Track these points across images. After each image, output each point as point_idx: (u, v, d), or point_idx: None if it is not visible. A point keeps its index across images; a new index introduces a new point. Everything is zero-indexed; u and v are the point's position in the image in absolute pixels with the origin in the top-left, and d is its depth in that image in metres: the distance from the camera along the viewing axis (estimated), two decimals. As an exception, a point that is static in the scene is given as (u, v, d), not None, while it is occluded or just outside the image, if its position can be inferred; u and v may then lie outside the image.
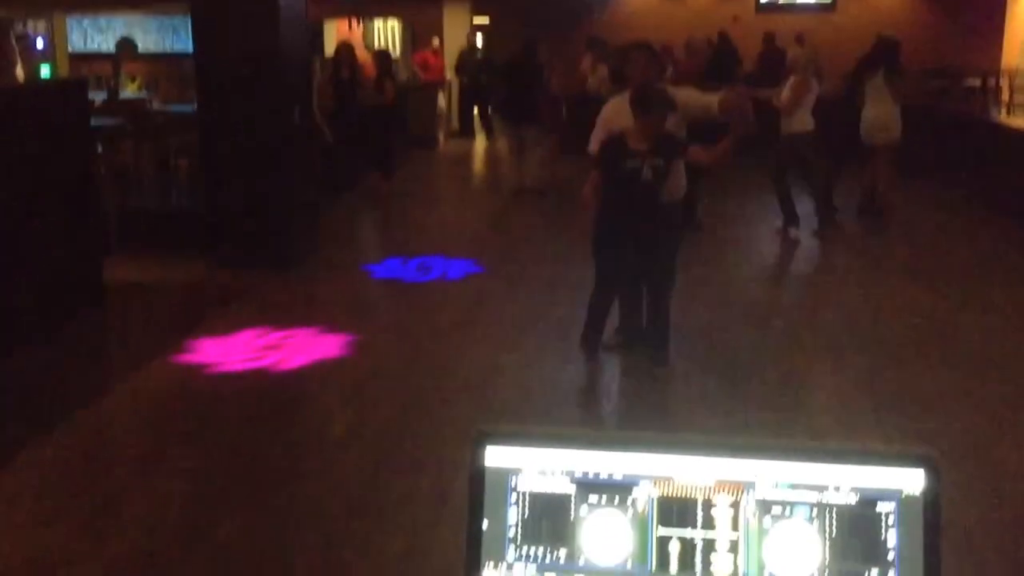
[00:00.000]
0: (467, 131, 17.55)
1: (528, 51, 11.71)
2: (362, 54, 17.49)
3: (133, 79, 14.12)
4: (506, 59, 12.61)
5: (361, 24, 20.68)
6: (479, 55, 17.96)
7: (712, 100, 5.47)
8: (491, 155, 16.16)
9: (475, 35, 18.73)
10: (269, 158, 7.83)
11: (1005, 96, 18.72)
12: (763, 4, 20.38)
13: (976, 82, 18.40)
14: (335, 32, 18.86)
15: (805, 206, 9.29)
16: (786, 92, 8.85)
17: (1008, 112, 17.20)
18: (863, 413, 5.05)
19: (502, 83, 12.01)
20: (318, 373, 5.68)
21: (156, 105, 11.71)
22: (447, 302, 7.19)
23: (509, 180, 11.72)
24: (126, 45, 13.79)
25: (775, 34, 17.60)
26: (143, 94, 13.22)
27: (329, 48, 17.45)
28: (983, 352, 5.96)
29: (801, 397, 5.34)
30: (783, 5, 20.25)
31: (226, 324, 6.51)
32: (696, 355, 5.87)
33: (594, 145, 5.47)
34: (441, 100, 17.24)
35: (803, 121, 8.84)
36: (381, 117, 11.50)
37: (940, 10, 20.78)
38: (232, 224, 7.94)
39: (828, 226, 9.40)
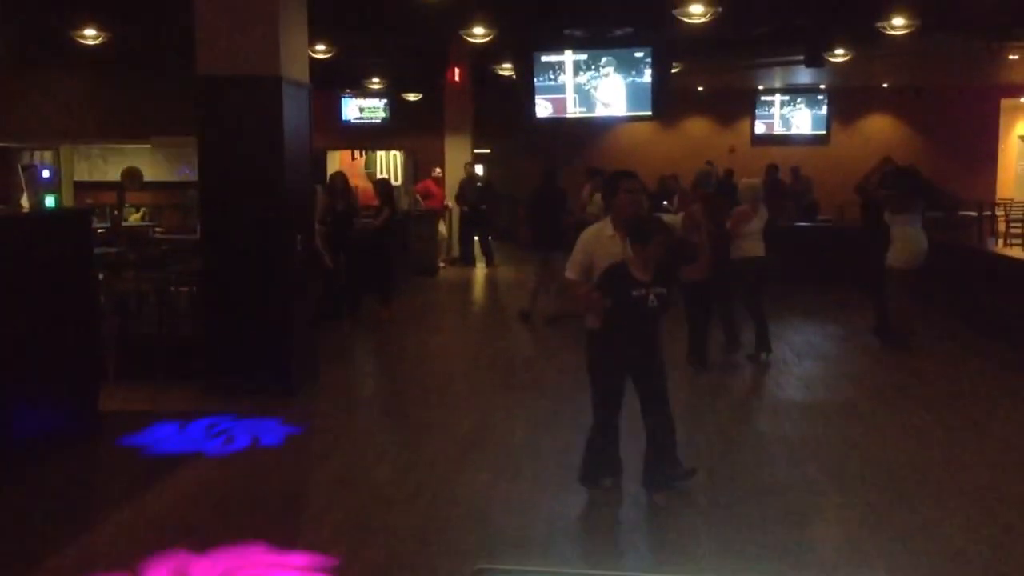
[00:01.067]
0: (467, 258, 17.64)
1: (548, 179, 11.89)
2: (362, 182, 17.78)
3: (137, 208, 14.26)
4: (529, 190, 12.75)
5: (364, 154, 21.09)
6: (480, 183, 18.22)
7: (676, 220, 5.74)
8: (491, 282, 16.20)
9: (475, 164, 19.06)
10: (271, 287, 7.82)
11: (1001, 227, 18.94)
12: (759, 136, 20.82)
13: (972, 212, 18.62)
14: (338, 162, 19.22)
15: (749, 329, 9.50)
16: (731, 220, 9.23)
17: (1005, 242, 17.37)
18: (869, 550, 4.90)
19: (528, 214, 12.06)
20: (316, 499, 5.51)
21: (159, 233, 11.75)
22: (450, 428, 7.04)
23: (542, 310, 11.58)
24: (132, 174, 13.95)
25: (778, 165, 17.90)
26: (146, 222, 13.32)
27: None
28: (991, 485, 5.84)
29: (806, 532, 5.16)
30: (778, 136, 20.68)
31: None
32: (695, 486, 5.69)
33: (571, 272, 5.51)
34: (442, 227, 17.42)
35: (749, 248, 9.18)
36: (380, 244, 11.55)
37: (935, 142, 21.24)
38: (231, 352, 7.88)
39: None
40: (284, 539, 5.01)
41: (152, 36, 13.65)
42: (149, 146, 16.69)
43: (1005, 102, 21.31)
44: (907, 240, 9.53)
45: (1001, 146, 21.96)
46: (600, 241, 5.46)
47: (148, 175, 15.90)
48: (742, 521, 5.24)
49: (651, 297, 5.16)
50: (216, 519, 5.29)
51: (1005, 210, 19.61)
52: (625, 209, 5.49)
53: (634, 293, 5.16)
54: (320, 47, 13.20)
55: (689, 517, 5.32)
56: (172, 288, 8.89)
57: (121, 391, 7.74)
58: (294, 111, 7.94)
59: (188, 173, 15.22)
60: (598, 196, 14.91)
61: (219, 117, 7.79)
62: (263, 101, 7.72)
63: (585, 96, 14.27)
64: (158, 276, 9.16)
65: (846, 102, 20.97)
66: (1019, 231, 18.28)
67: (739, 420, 7.30)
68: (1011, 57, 15.49)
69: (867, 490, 5.76)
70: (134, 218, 14.04)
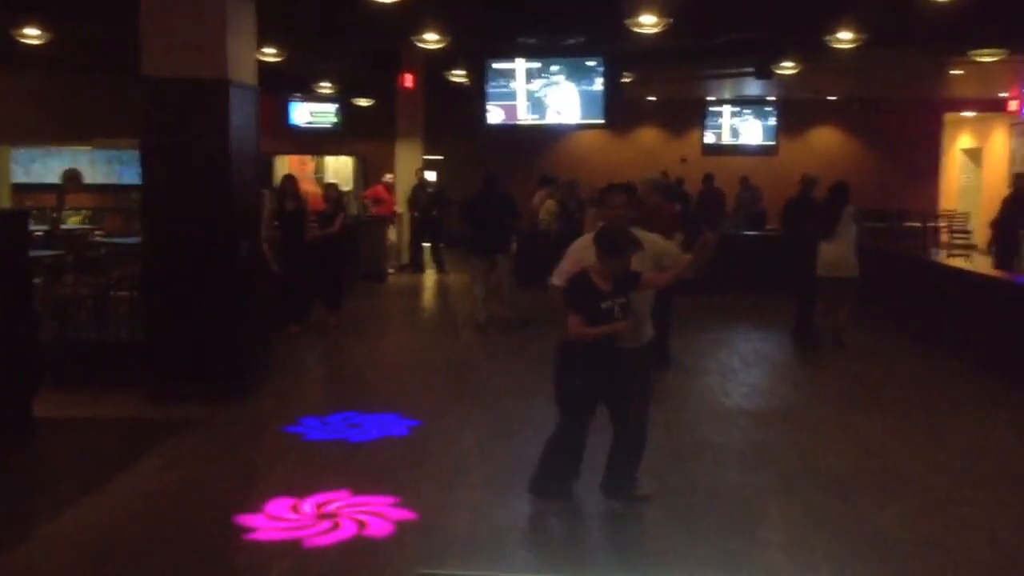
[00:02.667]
0: (417, 265, 17.53)
1: (488, 183, 11.81)
2: (311, 187, 17.60)
3: (77, 211, 13.96)
4: (465, 196, 12.67)
5: (314, 159, 20.89)
6: (431, 190, 18.12)
7: (669, 247, 5.55)
8: (441, 289, 16.11)
9: (427, 170, 18.96)
10: (215, 290, 7.68)
11: (944, 238, 19.31)
12: (709, 146, 21.01)
13: (916, 224, 18.96)
14: (286, 166, 19.01)
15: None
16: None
17: (947, 253, 17.70)
18: (815, 551, 4.94)
19: (463, 220, 12.04)
20: (258, 500, 5.40)
21: (99, 237, 11.50)
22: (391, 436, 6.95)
23: (479, 313, 11.55)
24: (72, 176, 13.63)
25: (713, 175, 18.16)
26: (87, 226, 13.04)
27: (277, 181, 17.47)
28: (936, 489, 5.93)
29: (756, 538, 5.17)
30: (728, 147, 20.88)
31: (165, 461, 6.21)
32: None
33: (558, 279, 5.35)
34: (392, 233, 17.29)
35: None
36: (329, 250, 11.42)
37: (880, 155, 21.60)
38: (174, 357, 7.73)
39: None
40: (233, 547, 4.90)
41: (95, 36, 13.38)
42: (91, 148, 16.35)
43: (948, 116, 21.75)
44: (826, 251, 10.11)
45: (944, 159, 22.41)
46: (591, 253, 5.24)
47: (89, 177, 15.55)
48: (692, 527, 5.24)
49: (616, 308, 5.11)
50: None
51: (948, 222, 20.02)
52: (616, 211, 5.42)
53: (603, 305, 5.09)
54: (269, 50, 13.02)
55: (639, 524, 5.30)
56: (112, 293, 8.70)
57: (59, 397, 7.53)
58: (241, 114, 7.83)
59: (130, 176, 14.94)
60: (550, 203, 14.98)
61: (164, 119, 7.63)
62: (209, 103, 7.60)
63: (537, 103, 14.29)
64: (98, 281, 8.95)
65: (794, 114, 21.24)
66: (961, 242, 18.67)
67: (688, 428, 7.28)
68: (954, 72, 15.79)
69: (815, 495, 5.79)
70: (74, 221, 13.73)
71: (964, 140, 22.95)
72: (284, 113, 19.91)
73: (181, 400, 7.51)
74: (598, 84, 14.04)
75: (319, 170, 20.99)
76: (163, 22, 7.52)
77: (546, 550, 5.03)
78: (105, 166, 16.52)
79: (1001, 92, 19.57)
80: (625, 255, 5.10)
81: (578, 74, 14.12)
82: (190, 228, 7.66)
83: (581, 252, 5.37)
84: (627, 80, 15.49)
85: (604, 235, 5.21)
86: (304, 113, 20.18)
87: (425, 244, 17.66)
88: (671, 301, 8.73)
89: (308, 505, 5.47)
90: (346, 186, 19.78)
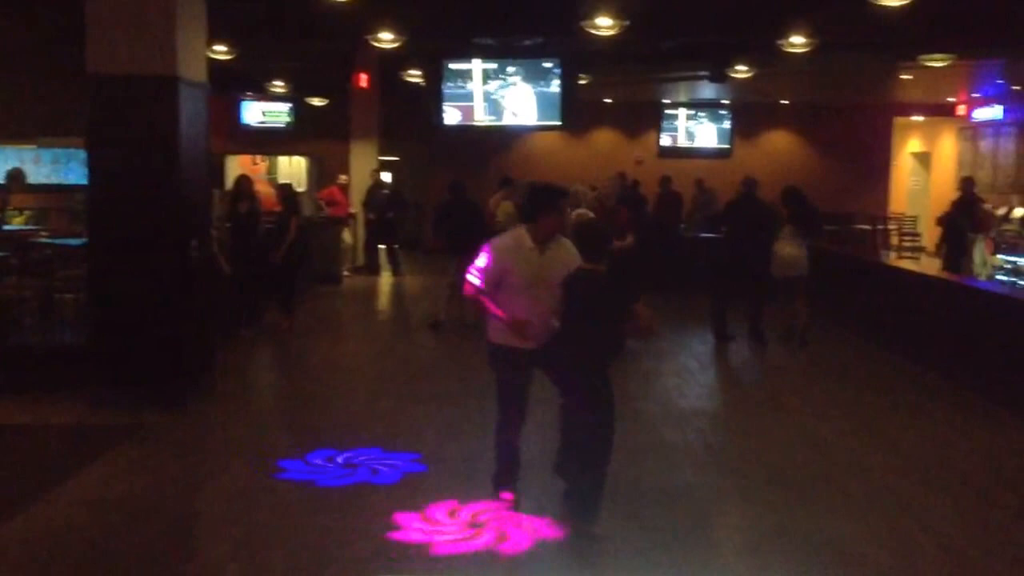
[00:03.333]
0: (373, 267, 17.35)
1: (455, 191, 11.89)
2: (264, 188, 17.38)
3: (20, 212, 13.61)
4: (437, 200, 12.64)
5: (266, 159, 20.63)
6: (386, 191, 17.96)
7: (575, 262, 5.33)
8: (397, 291, 15.98)
9: (382, 171, 18.78)
10: (163, 293, 7.52)
11: (894, 240, 19.55)
12: (664, 148, 21.08)
13: (866, 226, 19.17)
14: (237, 166, 18.75)
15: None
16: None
17: (897, 255, 17.93)
18: (769, 552, 4.98)
19: (441, 227, 12.00)
20: (208, 509, 5.29)
21: (44, 237, 11.21)
22: (354, 439, 6.84)
23: (441, 313, 11.51)
24: (15, 176, 13.29)
25: (671, 178, 18.22)
26: (31, 226, 12.72)
27: (230, 181, 17.25)
28: (888, 489, 6.02)
29: (710, 538, 5.20)
30: (683, 149, 20.97)
31: (110, 470, 6.04)
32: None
33: (479, 281, 5.27)
34: (347, 235, 17.10)
35: None
36: (289, 256, 11.26)
37: (831, 159, 21.83)
38: (121, 361, 7.54)
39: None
40: (178, 557, 4.81)
41: (39, 31, 13.05)
42: (35, 147, 15.97)
43: (898, 120, 22.03)
44: (780, 251, 10.52)
45: (894, 162, 22.71)
46: (520, 253, 5.26)
47: (33, 177, 15.17)
48: (647, 527, 5.25)
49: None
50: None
51: (898, 224, 20.30)
52: (554, 228, 5.34)
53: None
54: (220, 48, 12.79)
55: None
56: (57, 295, 8.47)
57: (1, 402, 7.35)
58: (190, 113, 7.68)
59: (76, 176, 14.62)
60: (507, 204, 14.91)
61: (110, 117, 7.46)
62: (157, 101, 7.44)
63: (493, 104, 14.22)
64: (42, 283, 8.71)
65: (748, 117, 21.39)
66: (911, 244, 18.93)
67: (645, 428, 7.27)
68: (904, 77, 15.98)
69: (769, 495, 5.84)
70: (17, 221, 13.37)
71: (913, 144, 23.29)
72: (236, 112, 19.63)
73: (127, 406, 7.31)
74: (555, 86, 14.01)
75: (271, 170, 20.73)
76: (109, 17, 7.34)
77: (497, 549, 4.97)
78: (50, 165, 16.13)
79: (949, 97, 19.88)
80: (602, 260, 5.21)
81: (535, 75, 14.08)
82: (137, 229, 7.49)
83: (505, 253, 5.28)
84: (584, 82, 15.47)
85: (587, 236, 5.33)
86: (256, 112, 19.91)
87: (381, 246, 17.48)
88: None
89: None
90: (300, 187, 19.54)
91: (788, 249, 10.50)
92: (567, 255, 5.30)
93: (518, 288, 5.25)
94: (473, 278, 5.33)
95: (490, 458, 5.66)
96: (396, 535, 5.11)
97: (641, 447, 6.74)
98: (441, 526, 5.25)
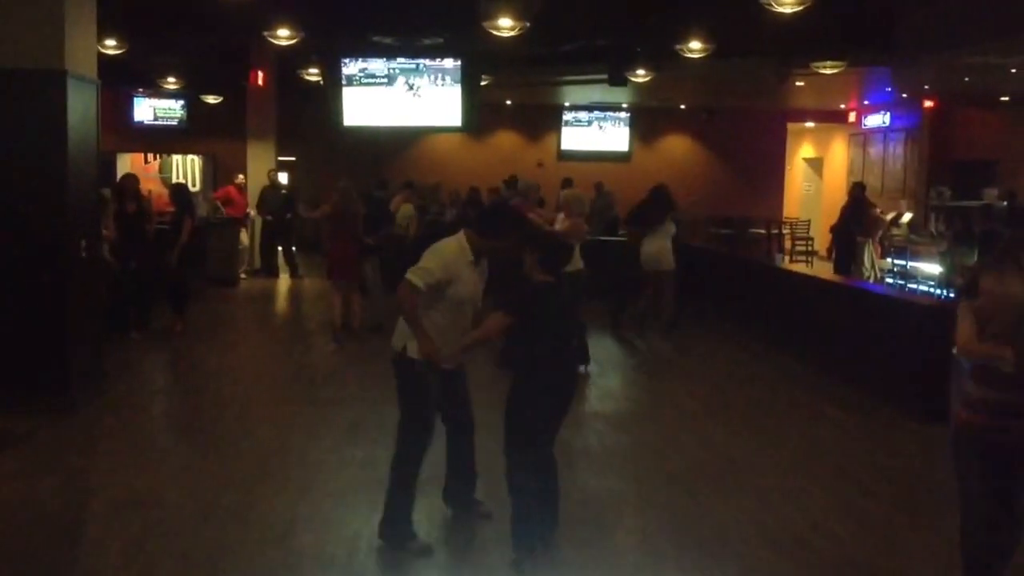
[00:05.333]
0: (270, 269, 16.98)
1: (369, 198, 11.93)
2: (156, 187, 16.86)
3: None
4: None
5: (158, 157, 20.03)
6: (284, 191, 17.62)
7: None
8: (295, 294, 15.68)
9: (280, 172, 18.41)
10: (49, 294, 7.26)
11: (788, 244, 20.08)
12: (565, 151, 21.21)
13: (761, 230, 19.62)
14: (129, 165, 18.17)
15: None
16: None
17: (790, 258, 18.42)
18: (666, 550, 5.06)
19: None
20: (100, 522, 5.18)
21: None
22: (248, 445, 6.69)
23: (337, 318, 11.22)
24: None
25: (572, 180, 18.27)
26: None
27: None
28: (779, 488, 6.14)
29: (609, 539, 5.23)
30: (583, 152, 21.15)
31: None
32: (499, 497, 5.47)
33: (424, 284, 4.77)
34: (243, 236, 16.69)
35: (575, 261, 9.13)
36: (174, 253, 10.93)
37: (728, 163, 22.29)
38: (5, 365, 7.27)
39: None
40: (63, 565, 4.64)
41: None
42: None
43: (792, 126, 22.63)
44: (648, 247, 11.25)
45: (788, 168, 23.32)
46: (463, 264, 4.90)
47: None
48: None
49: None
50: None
51: (791, 228, 20.85)
52: (500, 254, 5.03)
53: None
54: (110, 42, 12.35)
55: (492, 526, 5.24)
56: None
57: None
58: (80, 108, 7.49)
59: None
60: (407, 207, 14.80)
61: (-5, 111, 7.20)
62: (45, 96, 7.24)
63: (395, 104, 14.08)
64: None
65: (647, 122, 21.70)
66: (803, 248, 19.47)
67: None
68: (797, 84, 16.41)
69: (665, 495, 5.92)
70: None
71: (806, 150, 23.96)
72: (127, 109, 19.00)
73: (10, 411, 7.02)
74: (456, 87, 13.97)
75: (164, 169, 20.13)
76: (-5, 8, 7.07)
77: (393, 559, 4.87)
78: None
79: (841, 104, 20.52)
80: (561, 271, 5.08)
81: (437, 76, 14.02)
82: (24, 228, 7.28)
83: (455, 262, 4.88)
84: (485, 83, 15.46)
85: (552, 247, 5.06)
86: (148, 109, 19.28)
87: (278, 248, 17.13)
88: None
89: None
90: (195, 186, 19.05)
91: (655, 244, 11.18)
92: (484, 273, 5.12)
93: (455, 302, 4.91)
94: (418, 279, 4.80)
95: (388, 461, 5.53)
96: (291, 543, 5.00)
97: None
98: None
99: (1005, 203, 14.79)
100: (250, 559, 4.79)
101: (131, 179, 11.23)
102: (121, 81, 16.59)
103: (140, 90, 18.74)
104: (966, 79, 14.86)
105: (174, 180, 17.87)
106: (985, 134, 17.47)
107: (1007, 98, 16.52)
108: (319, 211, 11.75)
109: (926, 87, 16.91)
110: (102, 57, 8.71)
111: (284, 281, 16.66)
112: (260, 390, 8.87)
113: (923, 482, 6.48)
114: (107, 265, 9.65)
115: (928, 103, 17.98)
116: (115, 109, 17.53)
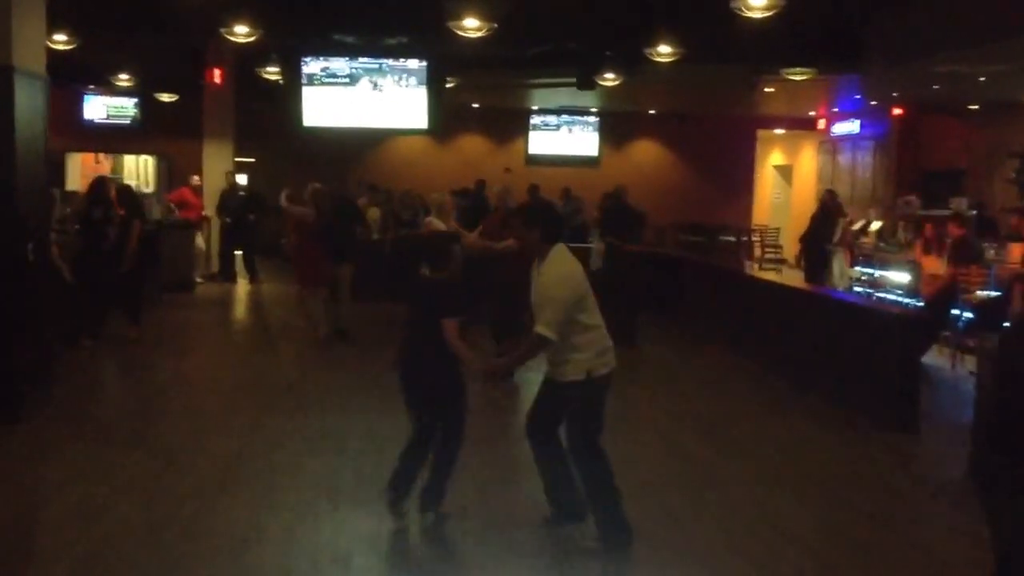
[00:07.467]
0: (228, 274, 16.48)
1: (338, 200, 11.48)
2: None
3: None
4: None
5: (110, 157, 19.44)
6: (243, 193, 17.13)
7: None
8: (255, 299, 15.22)
9: (238, 173, 17.91)
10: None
11: (757, 251, 19.94)
12: (533, 156, 20.94)
13: (731, 237, 19.46)
14: (79, 165, 17.58)
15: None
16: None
17: (760, 266, 18.25)
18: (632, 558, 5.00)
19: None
20: (50, 535, 5.00)
21: None
22: (205, 456, 6.44)
23: (322, 324, 10.85)
24: None
25: (539, 186, 17.98)
26: None
27: (71, 181, 16.16)
28: (751, 501, 6.06)
29: (576, 544, 5.18)
30: (551, 157, 20.90)
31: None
32: (470, 509, 5.59)
33: (550, 332, 5.30)
34: (200, 240, 16.19)
35: None
36: (137, 262, 10.50)
37: (698, 170, 22.11)
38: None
39: None
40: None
41: None
42: None
43: (761, 133, 22.52)
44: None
45: (757, 175, 23.22)
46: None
47: None
48: (514, 542, 5.16)
49: None
50: None
51: (761, 236, 20.73)
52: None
53: None
54: (60, 37, 11.85)
55: (459, 542, 5.20)
56: None
57: None
58: (27, 105, 7.29)
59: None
60: (373, 210, 14.46)
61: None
62: (-10, 92, 7.02)
63: (358, 105, 13.70)
64: None
65: (616, 126, 21.47)
66: (773, 256, 19.33)
67: (513, 441, 6.97)
68: (767, 90, 16.27)
69: (635, 510, 5.64)
70: None
71: (776, 157, 23.89)
72: (78, 107, 18.40)
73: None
74: (421, 88, 13.63)
75: (116, 170, 19.55)
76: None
77: (355, 571, 4.71)
78: None
79: (810, 111, 20.44)
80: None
81: (401, 77, 13.66)
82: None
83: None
84: (451, 85, 15.12)
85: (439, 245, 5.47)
86: (99, 107, 18.69)
87: (237, 252, 16.63)
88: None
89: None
90: (148, 188, 18.51)
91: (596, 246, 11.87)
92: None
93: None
94: (547, 331, 5.21)
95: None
96: (249, 556, 4.83)
97: (508, 461, 6.57)
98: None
99: (974, 212, 14.72)
100: (207, 573, 4.63)
101: (105, 183, 10.79)
102: (71, 78, 16.04)
103: (91, 87, 18.19)
104: (935, 87, 14.80)
105: (124, 181, 17.27)
106: (953, 143, 17.45)
107: (976, 106, 16.50)
108: (303, 212, 11.07)
109: (895, 95, 16.86)
110: (51, 52, 8.56)
111: (243, 286, 16.19)
112: (217, 399, 8.53)
113: (892, 491, 6.45)
114: (58, 269, 9.19)
115: (897, 111, 17.94)
116: (64, 107, 16.92)
